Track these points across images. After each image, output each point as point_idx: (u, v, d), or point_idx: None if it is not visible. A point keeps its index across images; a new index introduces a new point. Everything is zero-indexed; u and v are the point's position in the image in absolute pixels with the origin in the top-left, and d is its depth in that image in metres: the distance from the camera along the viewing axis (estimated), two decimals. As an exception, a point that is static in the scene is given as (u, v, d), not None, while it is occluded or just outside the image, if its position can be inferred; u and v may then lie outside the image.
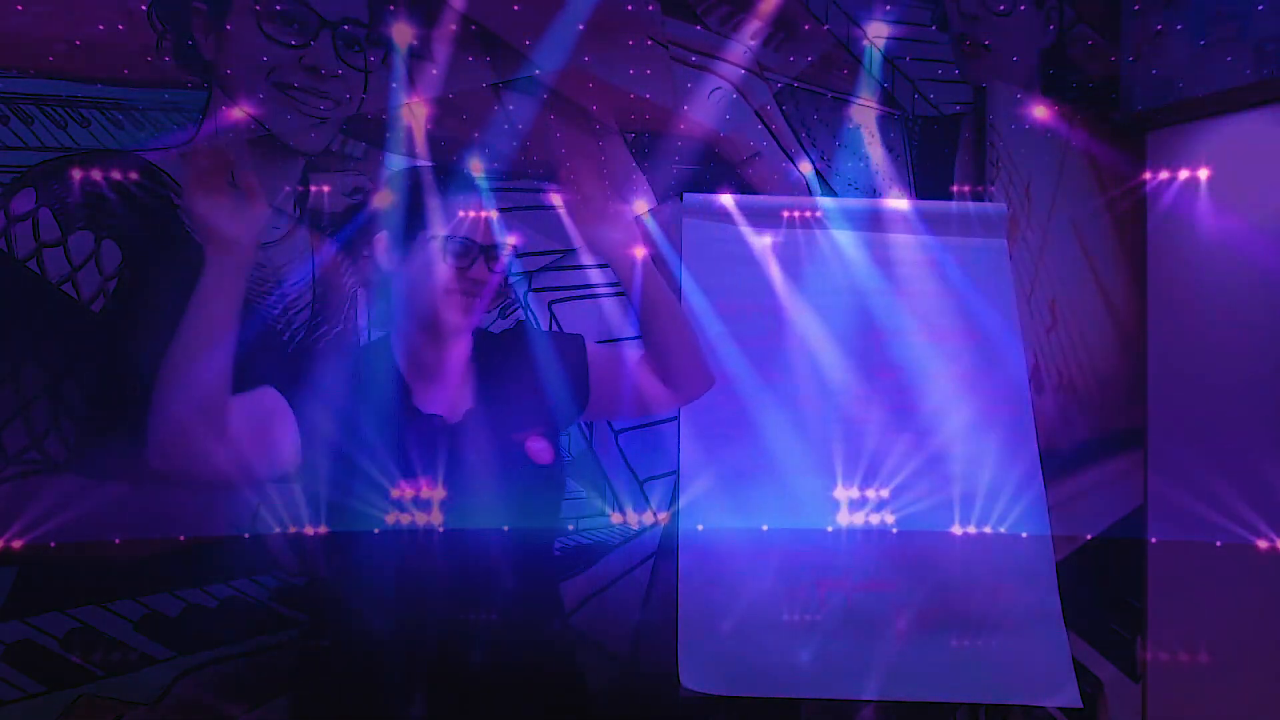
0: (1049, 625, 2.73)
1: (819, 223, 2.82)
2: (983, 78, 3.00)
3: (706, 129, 2.90)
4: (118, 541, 2.49)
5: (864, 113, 2.96)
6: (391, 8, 2.70)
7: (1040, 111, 2.95)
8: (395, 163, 2.69)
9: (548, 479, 1.90)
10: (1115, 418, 2.99)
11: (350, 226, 2.68)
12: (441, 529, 1.95)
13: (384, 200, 1.86)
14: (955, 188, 3.01)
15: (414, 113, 2.68)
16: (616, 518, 2.84)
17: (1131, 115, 2.93)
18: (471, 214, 1.83)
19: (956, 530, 2.77)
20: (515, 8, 2.75)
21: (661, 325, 1.95)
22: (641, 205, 2.86)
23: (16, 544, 2.41)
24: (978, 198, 2.98)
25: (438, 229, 1.80)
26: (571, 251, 2.81)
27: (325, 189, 2.71)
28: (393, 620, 1.82)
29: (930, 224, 2.84)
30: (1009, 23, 3.00)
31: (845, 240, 2.81)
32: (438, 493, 1.92)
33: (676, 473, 2.79)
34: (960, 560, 2.76)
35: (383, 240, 1.84)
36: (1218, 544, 2.72)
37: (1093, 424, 2.98)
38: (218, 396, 1.58)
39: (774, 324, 2.76)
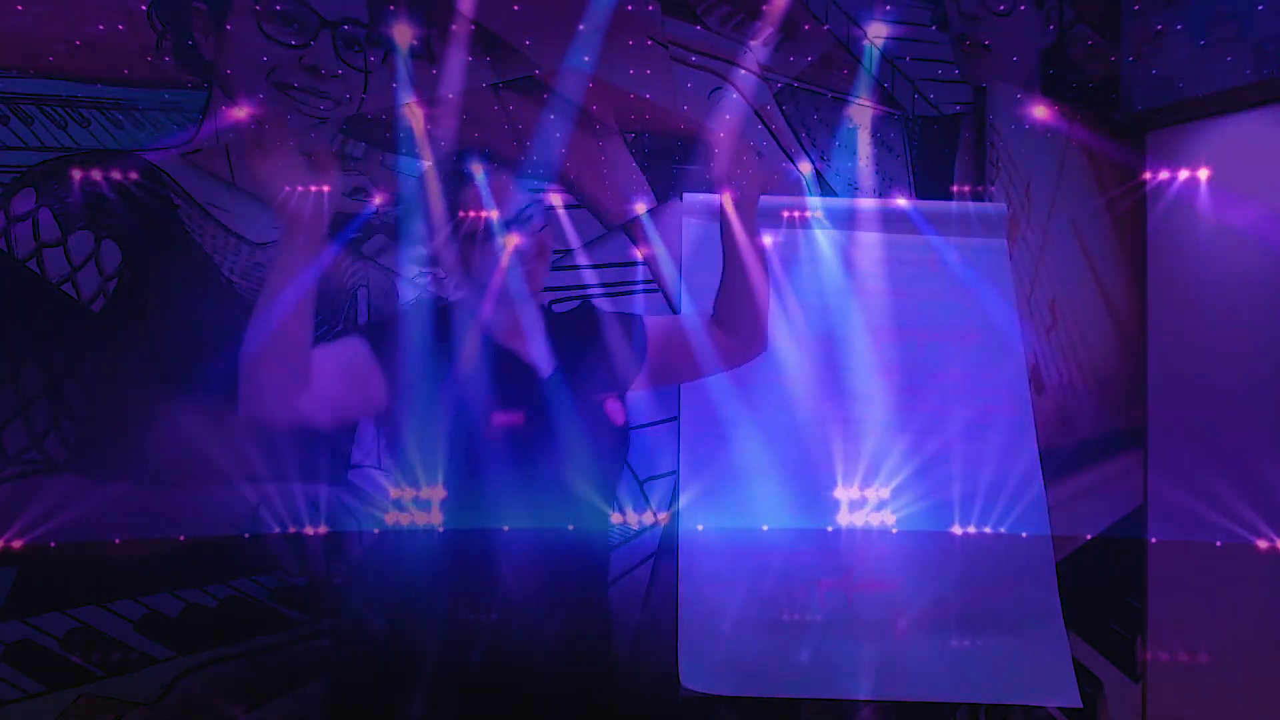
0: (1049, 625, 2.73)
1: (819, 223, 2.82)
2: (983, 78, 3.00)
3: (706, 129, 2.90)
4: (118, 541, 2.49)
5: (864, 113, 2.96)
6: (391, 8, 2.70)
7: (1040, 111, 2.95)
8: (407, 167, 2.71)
9: (621, 439, 2.04)
10: (1115, 418, 2.99)
11: (351, 226, 2.68)
12: (441, 529, 1.97)
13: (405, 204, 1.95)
14: (955, 188, 3.01)
15: (414, 113, 2.68)
16: (616, 518, 2.84)
17: (1131, 115, 2.93)
18: (478, 211, 1.96)
19: (956, 530, 2.77)
20: (515, 8, 2.75)
21: (752, 268, 2.07)
22: (641, 205, 2.86)
23: (16, 544, 2.41)
24: (978, 198, 2.98)
25: (468, 216, 1.94)
26: (571, 251, 2.81)
27: (325, 189, 2.70)
28: (441, 619, 1.88)
29: (930, 224, 2.84)
30: (1009, 23, 3.01)
31: (845, 240, 2.81)
32: (437, 492, 1.94)
33: (676, 473, 2.79)
34: (960, 560, 2.76)
35: (444, 236, 1.97)
36: (1218, 544, 2.72)
37: (1093, 424, 2.98)
38: (300, 352, 1.69)
39: (774, 324, 2.75)
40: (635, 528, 2.84)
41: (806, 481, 2.74)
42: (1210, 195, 2.79)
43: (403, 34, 2.67)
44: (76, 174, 2.50)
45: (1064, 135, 2.96)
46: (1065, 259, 2.99)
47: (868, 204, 2.87)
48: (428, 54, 2.73)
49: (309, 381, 1.70)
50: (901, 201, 2.87)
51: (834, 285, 2.79)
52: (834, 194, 2.95)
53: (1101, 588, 2.93)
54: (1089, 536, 2.94)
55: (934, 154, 3.03)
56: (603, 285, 2.84)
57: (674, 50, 2.89)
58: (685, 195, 2.82)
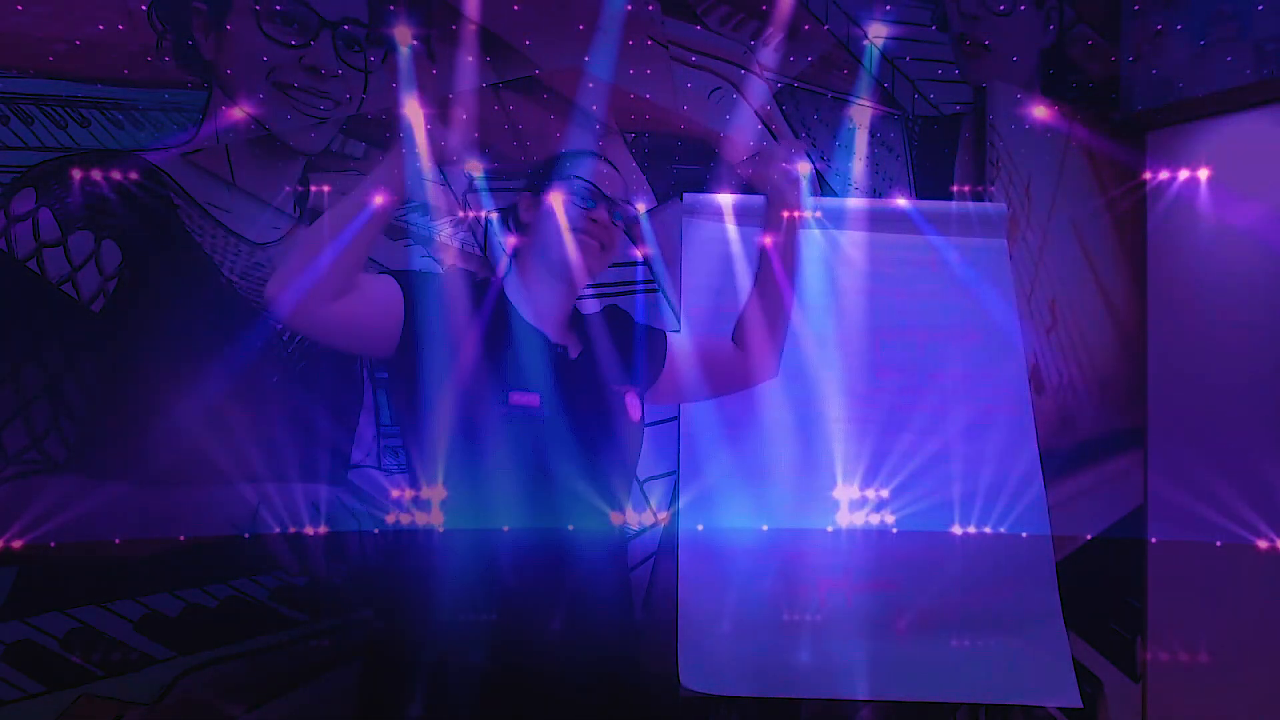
0: (1049, 625, 2.73)
1: (819, 223, 2.82)
2: (983, 78, 3.00)
3: (706, 129, 2.91)
4: (118, 541, 2.49)
5: (864, 113, 2.96)
6: (391, 8, 2.70)
7: (1040, 111, 2.95)
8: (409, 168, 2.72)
9: (637, 434, 2.11)
10: (1115, 418, 2.99)
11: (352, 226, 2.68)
12: (442, 529, 1.97)
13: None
14: (955, 188, 3.01)
15: (414, 113, 2.68)
16: (616, 518, 2.83)
17: (1131, 115, 2.93)
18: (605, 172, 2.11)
19: (956, 530, 2.77)
20: (515, 8, 2.75)
21: (789, 298, 2.22)
22: (641, 206, 2.86)
23: (16, 544, 2.41)
24: (978, 198, 2.98)
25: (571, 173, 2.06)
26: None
27: (325, 189, 2.71)
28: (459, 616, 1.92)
29: (930, 224, 2.83)
30: (1009, 23, 3.01)
31: (845, 240, 2.81)
32: (438, 492, 1.94)
33: (676, 473, 2.79)
34: (960, 560, 2.75)
35: (526, 198, 2.10)
36: (1218, 544, 2.72)
37: (1093, 424, 2.98)
38: (356, 262, 1.83)
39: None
40: (635, 528, 2.83)
41: (806, 481, 2.74)
42: (1210, 195, 2.79)
43: (403, 34, 2.66)
44: (76, 174, 2.50)
45: (1064, 135, 2.96)
46: (1065, 259, 2.99)
47: (868, 204, 2.87)
48: (428, 54, 2.73)
49: (344, 294, 1.80)
50: (901, 201, 2.87)
51: (834, 285, 2.79)
52: (834, 194, 2.94)
53: (1101, 588, 2.93)
54: (1089, 536, 2.94)
55: (934, 154, 3.03)
56: (603, 285, 2.84)
57: (674, 50, 2.89)
58: (685, 195, 2.82)
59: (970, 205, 2.94)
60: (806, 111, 2.98)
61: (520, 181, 2.79)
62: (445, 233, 2.77)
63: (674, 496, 2.80)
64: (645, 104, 2.87)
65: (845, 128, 2.96)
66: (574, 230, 2.02)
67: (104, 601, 2.51)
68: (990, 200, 2.94)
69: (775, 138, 2.95)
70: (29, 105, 2.49)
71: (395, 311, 1.89)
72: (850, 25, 2.96)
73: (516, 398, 1.93)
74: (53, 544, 2.43)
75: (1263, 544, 2.66)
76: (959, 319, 2.81)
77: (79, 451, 2.47)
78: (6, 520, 2.41)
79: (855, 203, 2.87)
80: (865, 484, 2.76)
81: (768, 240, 2.22)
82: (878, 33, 2.92)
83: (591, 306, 2.25)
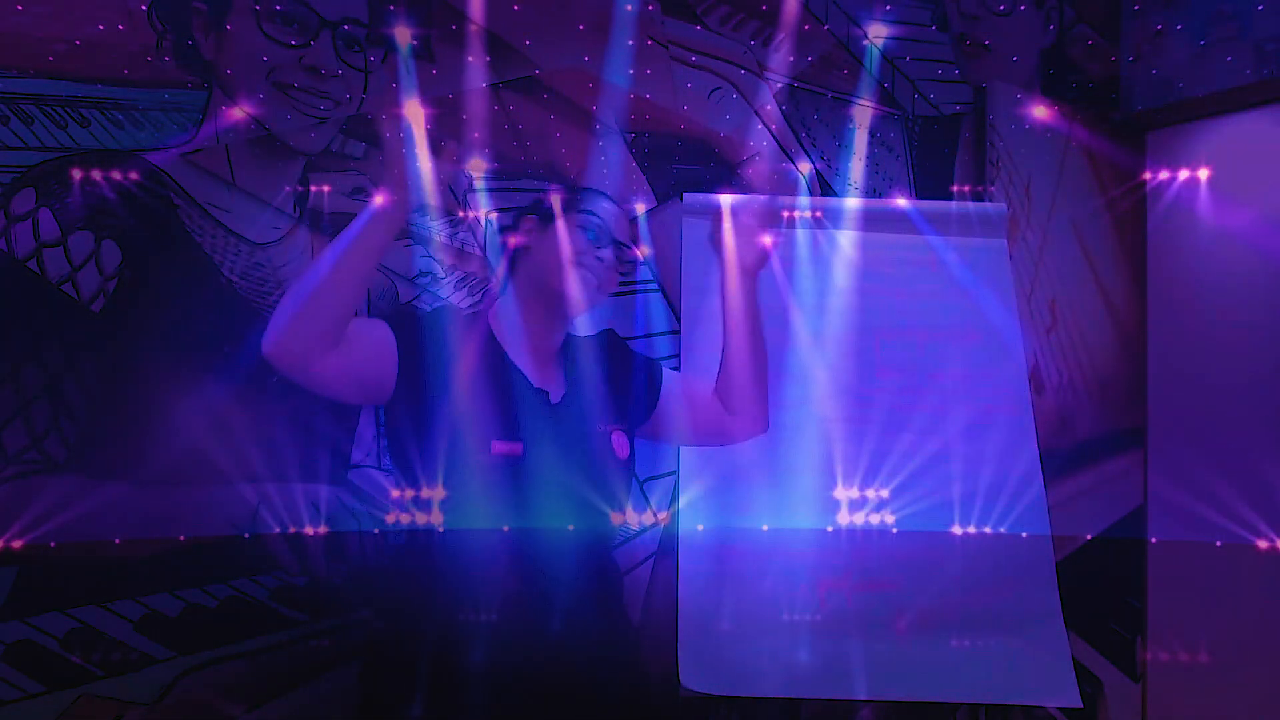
0: (1049, 625, 2.73)
1: (819, 223, 2.82)
2: (983, 78, 3.00)
3: (706, 129, 2.91)
4: (118, 541, 2.49)
5: (864, 113, 2.96)
6: (391, 8, 2.70)
7: (1040, 111, 2.95)
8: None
9: (624, 472, 2.07)
10: (1115, 418, 2.99)
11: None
12: (442, 529, 1.97)
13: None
14: (955, 188, 3.01)
15: (414, 113, 2.68)
16: (616, 518, 2.83)
17: (1131, 115, 2.93)
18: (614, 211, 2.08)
19: (956, 530, 2.77)
20: (515, 8, 2.75)
21: (750, 350, 2.14)
22: (641, 205, 2.86)
23: (16, 544, 2.41)
24: (978, 198, 2.98)
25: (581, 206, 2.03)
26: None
27: (325, 189, 2.71)
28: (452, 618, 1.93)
29: (930, 224, 2.84)
30: (1009, 23, 3.00)
31: (845, 240, 2.81)
32: (437, 492, 1.94)
33: (676, 473, 2.79)
34: (960, 560, 2.75)
35: (532, 221, 2.05)
36: (1218, 544, 2.72)
37: (1093, 424, 2.98)
38: (347, 310, 1.79)
39: (773, 324, 2.76)
40: (635, 528, 2.83)
41: (806, 481, 2.74)
42: (1210, 195, 2.79)
43: (403, 34, 2.67)
44: (76, 174, 2.50)
45: (1064, 135, 2.96)
46: (1065, 259, 2.99)
47: (868, 204, 2.87)
48: (428, 54, 2.73)
49: (339, 343, 1.77)
50: (901, 201, 2.87)
51: (834, 285, 2.79)
52: (834, 194, 2.94)
53: (1101, 588, 2.93)
54: (1089, 536, 2.94)
55: (934, 154, 3.03)
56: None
57: (674, 50, 2.89)
58: (685, 195, 2.81)
59: (970, 205, 2.94)
60: (806, 111, 2.98)
61: (519, 181, 2.80)
62: (444, 233, 2.77)
63: (674, 496, 2.80)
64: (645, 104, 2.87)
65: (845, 128, 2.96)
66: (578, 264, 1.99)
67: (104, 601, 2.50)
68: (990, 200, 2.94)
69: (775, 138, 2.95)
70: (29, 105, 2.49)
71: (390, 356, 1.88)
72: (850, 25, 2.95)
73: (499, 447, 1.92)
74: (53, 544, 2.43)
75: (1263, 544, 2.66)
76: (959, 319, 2.81)
77: (79, 451, 2.47)
78: (6, 520, 2.40)
79: (855, 203, 2.87)
80: (865, 484, 2.76)
81: (729, 293, 2.15)
82: (878, 33, 2.92)
83: (589, 321, 2.24)
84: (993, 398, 2.80)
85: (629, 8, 2.77)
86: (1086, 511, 2.94)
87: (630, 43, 2.80)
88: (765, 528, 2.74)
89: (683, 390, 2.20)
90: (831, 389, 2.74)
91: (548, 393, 2.01)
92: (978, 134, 3.01)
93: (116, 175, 2.52)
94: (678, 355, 2.79)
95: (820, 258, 2.80)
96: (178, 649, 2.56)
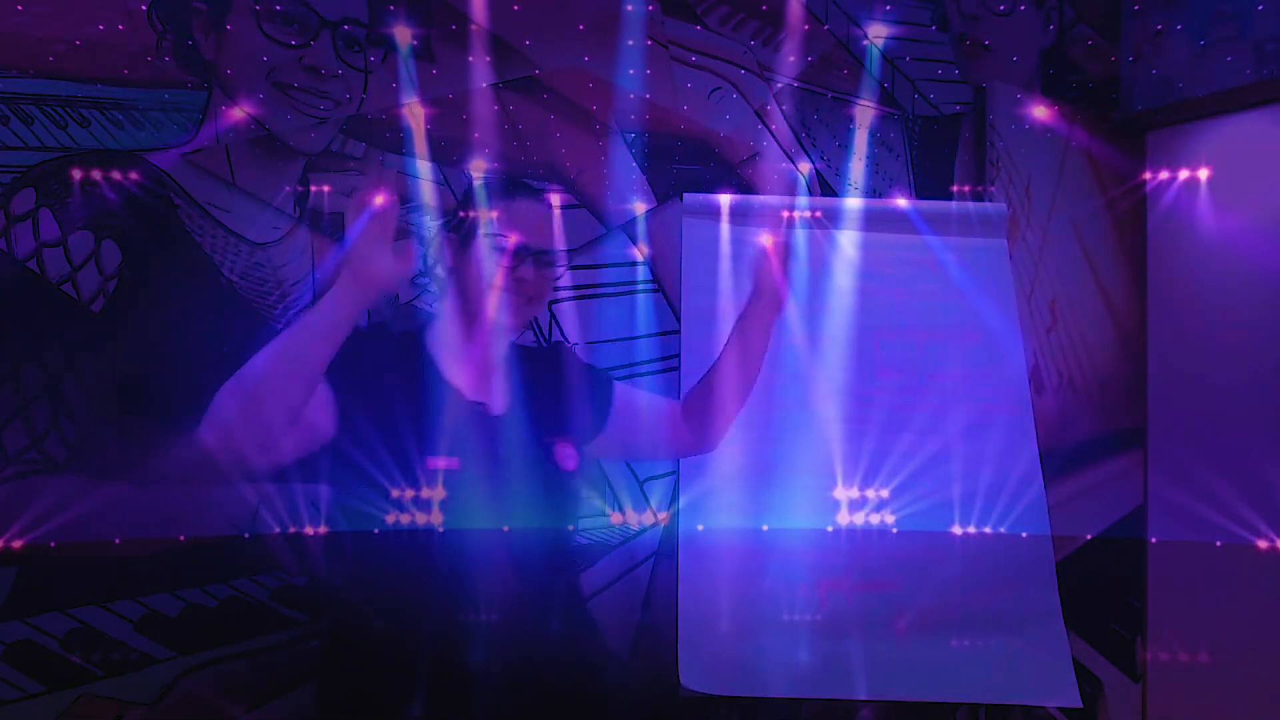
0: (1049, 625, 2.73)
1: (819, 223, 2.82)
2: (983, 78, 3.00)
3: (706, 129, 2.91)
4: (118, 541, 2.49)
5: (864, 113, 2.96)
6: (391, 8, 2.70)
7: (1040, 111, 2.95)
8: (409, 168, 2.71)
9: (570, 484, 2.04)
10: (1115, 418, 2.99)
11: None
12: (442, 529, 1.97)
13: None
14: (955, 188, 3.01)
15: (414, 113, 2.68)
16: (616, 518, 2.84)
17: (1131, 115, 2.93)
18: (530, 218, 1.98)
19: (956, 530, 2.77)
20: (515, 8, 2.75)
21: (749, 379, 2.12)
22: (641, 205, 2.86)
23: (16, 544, 2.41)
24: (978, 198, 2.97)
25: (494, 229, 1.95)
26: (571, 252, 2.81)
27: (325, 189, 2.71)
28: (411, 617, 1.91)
29: (930, 224, 2.84)
30: (1009, 23, 3.00)
31: (845, 240, 2.81)
32: (437, 492, 1.94)
33: (676, 473, 2.79)
34: (960, 560, 2.75)
35: (452, 241, 2.00)
36: (1218, 544, 2.72)
37: (1093, 424, 2.98)
38: (304, 399, 1.69)
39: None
40: (635, 528, 2.84)
41: (806, 481, 2.74)
42: (1210, 195, 2.79)
43: (403, 34, 2.67)
44: (76, 174, 2.50)
45: (1064, 135, 2.96)
46: (1065, 259, 2.99)
47: (868, 204, 2.87)
48: (428, 54, 2.73)
49: (295, 426, 1.71)
50: (901, 201, 2.87)
51: (834, 285, 2.79)
52: (834, 194, 2.94)
53: (1101, 588, 2.93)
54: (1089, 536, 2.94)
55: (934, 154, 3.02)
56: (603, 285, 2.84)
57: (674, 50, 2.89)
58: (685, 195, 2.82)
59: (970, 205, 2.94)
60: (806, 111, 2.98)
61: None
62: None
63: (674, 496, 2.80)
64: (645, 104, 2.87)
65: (845, 128, 2.96)
66: (493, 288, 1.93)
67: (104, 601, 2.51)
68: (990, 200, 2.94)
69: (775, 138, 2.95)
70: (29, 105, 2.49)
71: (328, 406, 1.82)
72: (850, 25, 2.95)
73: (435, 463, 1.90)
74: (53, 544, 2.43)
75: (1263, 544, 2.66)
76: (959, 319, 2.81)
77: (79, 451, 2.47)
78: (6, 520, 2.41)
79: (855, 203, 2.87)
80: (865, 484, 2.76)
81: (753, 328, 2.11)
82: (878, 33, 2.92)
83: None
84: (993, 398, 2.80)
85: (629, 8, 2.77)
86: (1086, 511, 2.94)
87: (631, 43, 2.80)
88: (765, 528, 2.74)
89: (640, 405, 2.18)
90: (831, 389, 2.74)
91: (485, 405, 1.97)
92: (978, 134, 3.01)
93: (116, 175, 2.52)
94: (678, 355, 2.79)
95: (820, 258, 2.80)
96: (178, 649, 2.56)
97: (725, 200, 2.78)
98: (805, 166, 2.94)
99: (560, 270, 2.06)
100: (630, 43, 2.81)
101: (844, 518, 2.76)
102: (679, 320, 2.81)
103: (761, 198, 2.87)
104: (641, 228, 2.86)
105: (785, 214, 2.82)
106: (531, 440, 1.97)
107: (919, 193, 2.97)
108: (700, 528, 2.73)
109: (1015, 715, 2.92)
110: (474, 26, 2.73)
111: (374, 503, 1.94)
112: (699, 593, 2.68)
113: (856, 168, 2.95)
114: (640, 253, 2.87)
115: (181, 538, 2.55)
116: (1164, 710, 2.90)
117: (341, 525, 2.08)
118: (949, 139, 3.03)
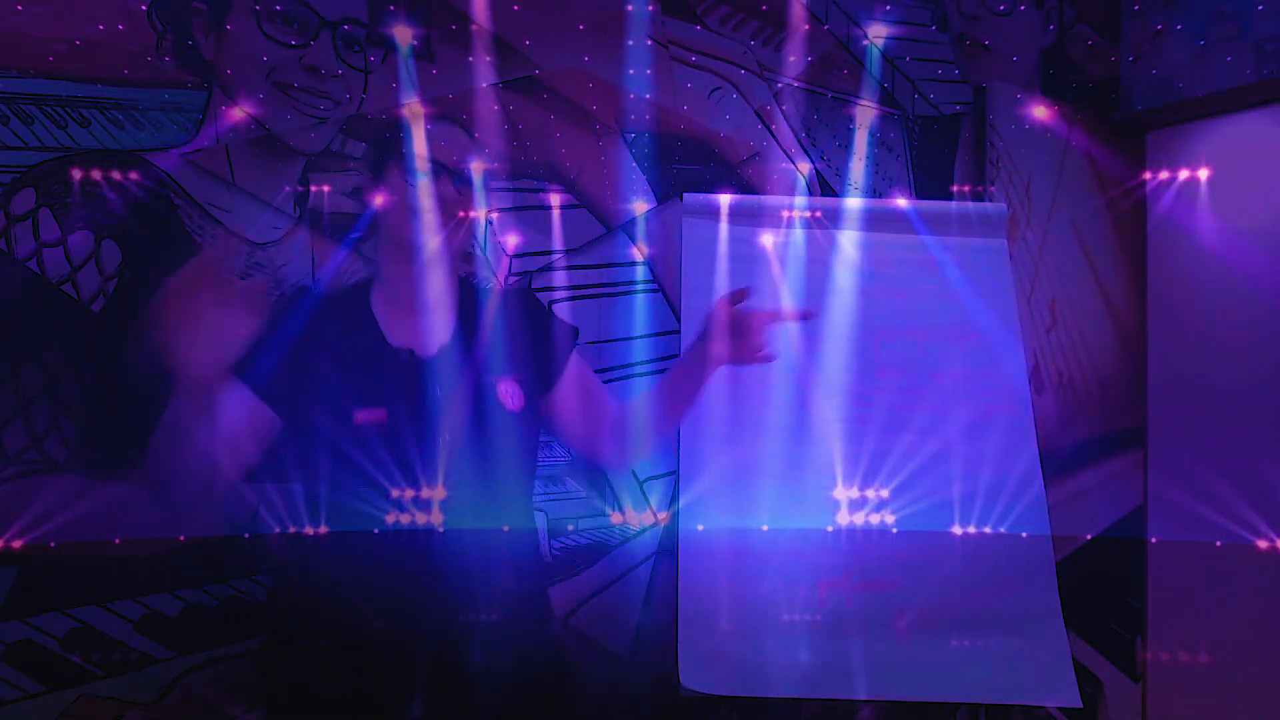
0: (1049, 625, 2.73)
1: (819, 223, 2.82)
2: (983, 78, 3.00)
3: (706, 129, 2.91)
4: (118, 541, 2.49)
5: (864, 113, 2.96)
6: (391, 8, 2.70)
7: (1040, 111, 2.95)
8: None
9: (517, 426, 1.92)
10: (1115, 418, 2.99)
11: (356, 227, 2.67)
12: (441, 529, 1.97)
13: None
14: (955, 188, 3.01)
15: (414, 113, 2.68)
16: (616, 518, 2.84)
17: (1131, 115, 2.93)
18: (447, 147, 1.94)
19: (956, 530, 2.77)
20: (515, 8, 2.75)
21: (674, 417, 2.09)
22: (641, 205, 2.86)
23: (16, 544, 2.41)
24: (978, 198, 2.98)
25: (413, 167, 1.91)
26: (570, 252, 2.81)
27: (325, 189, 2.71)
28: (388, 621, 1.88)
29: (930, 224, 2.83)
30: (1009, 23, 3.00)
31: (845, 240, 2.81)
32: (438, 492, 1.94)
33: (676, 473, 2.79)
34: (960, 560, 2.75)
35: (366, 180, 1.97)
36: (1218, 544, 2.72)
37: (1093, 424, 2.98)
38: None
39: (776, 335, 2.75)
40: (635, 528, 2.84)
41: (806, 481, 2.74)
42: (1210, 195, 2.79)
43: (403, 34, 2.67)
44: (76, 174, 2.50)
45: (1064, 135, 2.96)
46: (1065, 259, 2.99)
47: (868, 204, 2.87)
48: (428, 54, 2.73)
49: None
50: (901, 201, 2.87)
51: (834, 285, 2.79)
52: (834, 194, 2.94)
53: (1101, 588, 2.93)
54: (1089, 536, 2.94)
55: (934, 154, 3.02)
56: (603, 285, 2.84)
57: (674, 50, 2.89)
58: (685, 195, 2.82)
59: (970, 205, 2.94)
60: (806, 111, 2.98)
61: (520, 181, 2.80)
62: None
63: (674, 496, 2.80)
64: (645, 104, 2.87)
65: (845, 128, 2.96)
66: (411, 209, 1.89)
67: (104, 601, 2.51)
68: (990, 200, 2.94)
69: (775, 138, 2.95)
70: (29, 105, 2.49)
71: (261, 412, 1.84)
72: (850, 25, 2.95)
73: (362, 416, 1.84)
74: (53, 544, 2.43)
75: (1263, 544, 2.66)
76: (959, 319, 2.81)
77: (79, 451, 2.47)
78: (6, 520, 2.40)
79: (855, 203, 2.87)
80: (865, 484, 2.76)
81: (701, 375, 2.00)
82: (878, 33, 2.92)
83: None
84: (993, 398, 2.80)
85: (630, 8, 2.77)
86: (1086, 511, 2.94)
87: (631, 43, 2.80)
88: (765, 528, 2.74)
89: (589, 382, 2.08)
90: (831, 389, 2.74)
91: (412, 350, 1.90)
92: (978, 134, 3.01)
93: (116, 175, 2.52)
94: (678, 355, 2.79)
95: (820, 258, 2.80)
96: (178, 649, 2.56)
97: (725, 200, 2.78)
98: (805, 166, 2.94)
99: (471, 184, 1.99)
100: (630, 43, 2.81)
101: (844, 518, 2.76)
102: (679, 320, 2.81)
103: (761, 198, 2.87)
104: (641, 228, 2.86)
105: (785, 214, 2.82)
106: (472, 378, 1.89)
107: (919, 193, 2.97)
108: (700, 528, 2.73)
109: (1015, 715, 2.92)
110: (474, 26, 2.73)
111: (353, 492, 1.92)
112: (699, 593, 2.68)
113: (857, 168, 2.95)
114: (640, 253, 2.87)
115: (181, 538, 2.54)
116: (1164, 710, 2.90)
117: (344, 525, 2.07)
118: (949, 139, 3.03)
